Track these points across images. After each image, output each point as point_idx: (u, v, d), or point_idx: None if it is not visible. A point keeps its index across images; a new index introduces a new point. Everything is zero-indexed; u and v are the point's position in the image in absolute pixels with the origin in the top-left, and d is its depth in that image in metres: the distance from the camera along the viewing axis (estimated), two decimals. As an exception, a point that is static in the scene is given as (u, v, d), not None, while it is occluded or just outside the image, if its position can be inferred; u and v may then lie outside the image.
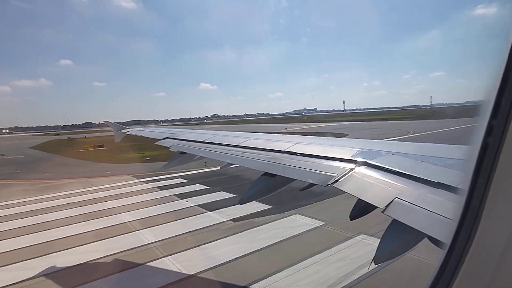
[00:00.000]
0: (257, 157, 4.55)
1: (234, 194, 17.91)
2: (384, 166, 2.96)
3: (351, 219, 3.11)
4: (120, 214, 16.17)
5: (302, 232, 12.11)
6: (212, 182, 21.60)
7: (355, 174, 3.07)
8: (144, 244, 11.97)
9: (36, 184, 25.94)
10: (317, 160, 3.71)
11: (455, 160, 2.70)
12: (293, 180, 3.78)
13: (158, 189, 21.10)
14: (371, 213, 2.93)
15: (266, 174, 4.12)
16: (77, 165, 36.59)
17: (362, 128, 70.87)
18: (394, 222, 2.47)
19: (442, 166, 2.69)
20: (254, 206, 14.74)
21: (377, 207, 2.57)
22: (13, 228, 14.95)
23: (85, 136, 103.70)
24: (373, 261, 2.55)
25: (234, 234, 12.33)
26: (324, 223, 12.86)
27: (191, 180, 22.60)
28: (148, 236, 12.78)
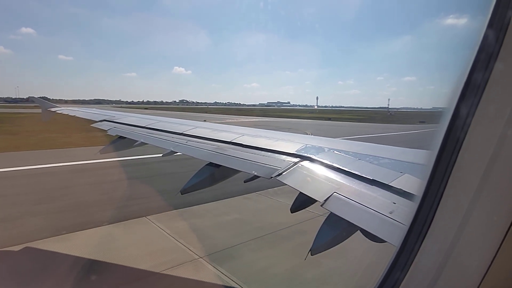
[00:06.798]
0: (202, 147, 4.38)
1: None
2: (326, 162, 3.04)
3: (292, 212, 3.15)
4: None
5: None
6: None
7: (298, 168, 3.11)
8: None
9: None
10: (262, 152, 3.70)
11: (387, 160, 2.90)
12: (238, 171, 3.71)
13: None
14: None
15: (210, 164, 3.98)
16: None
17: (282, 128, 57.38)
18: (332, 215, 2.55)
19: (376, 164, 2.87)
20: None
21: (317, 200, 2.63)
22: None
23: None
24: (310, 252, 2.61)
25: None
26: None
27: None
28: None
